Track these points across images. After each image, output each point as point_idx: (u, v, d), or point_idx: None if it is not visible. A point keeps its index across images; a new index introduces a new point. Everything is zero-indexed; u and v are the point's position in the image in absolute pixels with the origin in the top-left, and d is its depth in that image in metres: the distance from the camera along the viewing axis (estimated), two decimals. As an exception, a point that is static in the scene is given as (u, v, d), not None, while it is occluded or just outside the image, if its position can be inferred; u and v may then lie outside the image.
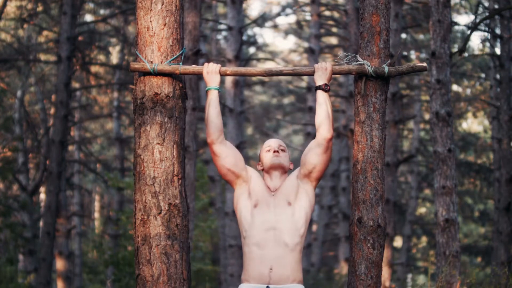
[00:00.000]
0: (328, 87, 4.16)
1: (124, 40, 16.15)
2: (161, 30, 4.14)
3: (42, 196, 19.63)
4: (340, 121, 18.10)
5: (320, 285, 18.04)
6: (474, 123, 25.63)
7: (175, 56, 4.16)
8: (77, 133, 20.61)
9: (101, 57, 18.82)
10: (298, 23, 22.44)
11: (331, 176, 19.57)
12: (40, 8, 15.10)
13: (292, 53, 28.29)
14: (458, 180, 18.41)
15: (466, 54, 17.35)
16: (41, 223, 15.93)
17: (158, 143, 4.09)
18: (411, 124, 21.62)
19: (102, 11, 17.53)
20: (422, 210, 26.95)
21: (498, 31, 14.00)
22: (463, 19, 48.21)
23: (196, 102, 8.73)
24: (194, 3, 8.66)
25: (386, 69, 4.10)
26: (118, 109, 19.66)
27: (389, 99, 11.73)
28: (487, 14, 11.87)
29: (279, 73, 4.26)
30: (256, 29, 29.83)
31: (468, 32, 14.80)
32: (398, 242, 25.05)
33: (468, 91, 22.60)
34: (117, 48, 19.61)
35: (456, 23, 10.42)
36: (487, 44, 15.85)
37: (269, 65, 23.47)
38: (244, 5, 18.71)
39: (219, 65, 4.24)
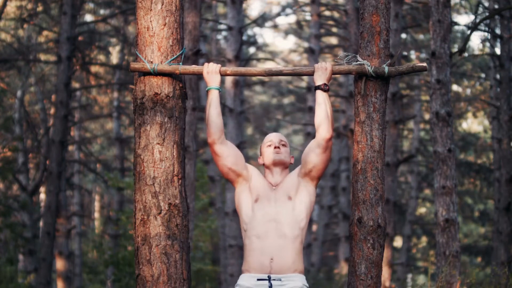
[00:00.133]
0: (327, 87, 4.16)
1: (124, 40, 16.15)
2: (161, 30, 4.14)
3: (42, 196, 19.64)
4: (340, 121, 18.10)
5: (320, 285, 18.04)
6: (474, 123, 25.64)
7: (175, 56, 4.16)
8: (77, 133, 20.61)
9: (101, 57, 18.82)
10: (298, 23, 22.44)
11: (331, 176, 19.57)
12: (40, 8, 15.10)
13: (292, 53, 28.30)
14: (458, 180, 18.41)
15: (466, 54, 17.35)
16: (41, 223, 15.93)
17: (158, 143, 4.09)
18: (411, 124, 21.63)
19: (102, 11, 17.53)
20: (422, 210, 26.95)
21: (498, 31, 14.00)
22: (463, 19, 48.22)
23: (196, 102, 8.74)
24: (194, 3, 8.66)
25: (386, 69, 4.10)
26: (118, 109, 19.66)
27: (389, 99, 11.73)
28: (487, 14, 11.87)
29: (279, 73, 4.26)
30: (256, 29, 29.84)
31: (468, 32, 14.80)
32: (398, 242, 25.05)
33: (468, 91, 22.61)
34: (117, 48, 19.61)
35: (456, 23, 10.42)
36: (487, 44, 15.85)
37: (269, 65, 23.47)
38: (244, 5, 18.71)
39: (219, 65, 4.25)
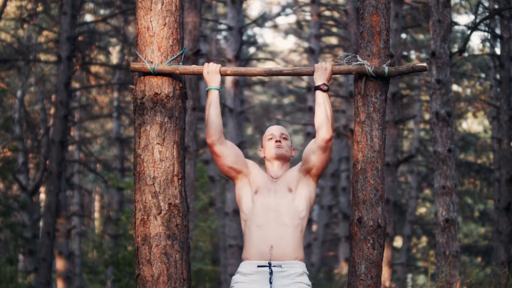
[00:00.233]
0: (327, 87, 4.15)
1: (124, 40, 16.15)
2: (161, 30, 4.14)
3: (42, 196, 19.64)
4: (340, 121, 18.10)
5: (320, 285, 18.04)
6: (474, 123, 25.64)
7: (175, 56, 4.16)
8: (77, 133, 20.61)
9: (101, 57, 18.82)
10: (298, 23, 22.44)
11: (331, 176, 19.57)
12: (40, 8, 15.10)
13: (292, 53, 28.30)
14: (458, 180, 18.41)
15: (466, 54, 17.35)
16: (41, 223, 15.93)
17: (158, 143, 4.09)
18: (411, 124, 21.63)
19: (102, 11, 17.53)
20: (422, 210, 26.95)
21: (498, 31, 14.00)
22: (463, 19, 48.22)
23: (196, 102, 8.73)
24: (194, 3, 8.66)
25: (386, 69, 4.10)
26: (118, 109, 19.66)
27: (389, 99, 11.73)
28: (487, 14, 11.87)
29: (279, 73, 4.26)
30: (256, 29, 29.84)
31: (468, 32, 14.80)
32: (398, 242, 25.05)
33: (468, 91, 22.61)
34: (117, 48, 19.61)
35: (456, 23, 10.42)
36: (487, 44, 15.85)
37: (269, 65, 23.47)
38: (244, 5, 18.71)
39: (219, 65, 4.25)
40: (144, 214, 4.06)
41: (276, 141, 4.24)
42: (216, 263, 18.04)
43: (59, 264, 14.87)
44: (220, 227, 15.99)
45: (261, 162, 4.39)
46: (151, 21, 4.15)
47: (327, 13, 19.92)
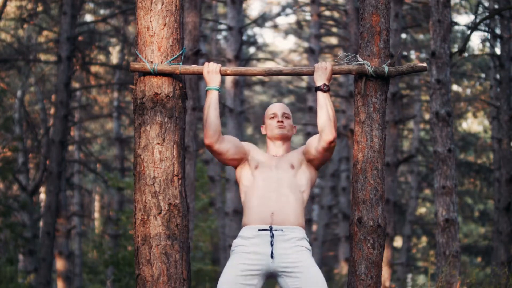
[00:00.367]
0: (328, 88, 4.15)
1: (124, 40, 16.15)
2: (161, 30, 4.14)
3: (42, 196, 19.64)
4: (340, 121, 18.11)
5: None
6: (474, 123, 25.64)
7: (175, 56, 4.16)
8: (77, 133, 20.61)
9: (101, 57, 18.82)
10: (298, 23, 22.44)
11: (331, 176, 19.56)
12: (40, 8, 15.10)
13: (292, 53, 28.29)
14: (458, 180, 18.41)
15: (466, 54, 17.35)
16: (41, 223, 15.93)
17: (158, 143, 4.09)
18: (411, 124, 21.62)
19: (102, 11, 17.53)
20: (422, 210, 26.95)
21: (498, 31, 14.00)
22: (463, 19, 48.22)
23: (196, 102, 8.74)
24: (194, 3, 8.66)
25: (386, 69, 4.10)
26: (118, 109, 19.66)
27: (389, 99, 11.73)
28: (487, 14, 11.87)
29: (279, 73, 4.26)
30: (256, 29, 29.83)
31: (468, 32, 14.80)
32: (398, 242, 25.05)
33: (468, 91, 22.61)
34: (117, 48, 19.61)
35: (456, 23, 10.42)
36: (487, 44, 15.85)
37: (269, 65, 23.47)
38: (244, 5, 18.71)
39: (219, 65, 4.24)
40: (144, 214, 4.06)
41: (278, 121, 4.27)
42: (216, 263, 18.04)
43: (59, 264, 14.87)
44: (220, 227, 15.98)
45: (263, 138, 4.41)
46: (151, 21, 4.15)
47: (327, 13, 19.92)
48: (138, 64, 4.13)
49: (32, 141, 16.41)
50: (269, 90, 27.47)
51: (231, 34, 13.79)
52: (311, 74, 4.24)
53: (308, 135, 17.02)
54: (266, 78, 19.32)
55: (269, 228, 4.06)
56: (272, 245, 4.03)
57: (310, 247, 4.15)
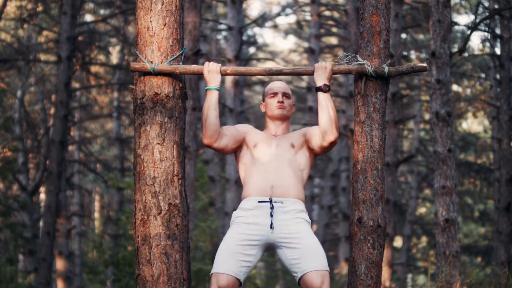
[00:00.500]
0: (328, 88, 4.16)
1: (124, 40, 16.15)
2: (161, 30, 4.14)
3: (42, 196, 19.64)
4: (340, 121, 18.11)
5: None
6: (474, 123, 25.64)
7: (175, 56, 4.16)
8: (77, 133, 20.61)
9: (101, 57, 18.82)
10: (298, 23, 22.44)
11: (331, 176, 19.56)
12: (40, 8, 15.10)
13: (292, 53, 28.29)
14: (458, 180, 18.41)
15: (466, 54, 17.34)
16: (41, 223, 15.93)
17: (158, 143, 4.09)
18: (411, 124, 21.62)
19: (102, 11, 17.53)
20: (422, 210, 26.95)
21: (498, 31, 14.00)
22: (463, 19, 48.21)
23: (196, 102, 8.74)
24: (194, 3, 8.66)
25: (386, 69, 4.10)
26: (118, 109, 19.66)
27: (389, 99, 11.73)
28: (487, 14, 11.87)
29: (279, 73, 4.26)
30: (256, 29, 29.82)
31: (468, 32, 14.80)
32: (398, 242, 25.05)
33: (468, 91, 22.61)
34: (117, 48, 19.61)
35: (456, 23, 10.42)
36: (487, 44, 15.84)
37: (269, 65, 23.47)
38: (244, 5, 18.70)
39: (220, 65, 4.24)
40: (144, 214, 4.06)
41: (279, 102, 4.28)
42: (216, 263, 17.98)
43: (59, 264, 14.87)
44: (220, 227, 15.98)
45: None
46: (151, 21, 4.14)
47: (327, 13, 19.92)
48: (138, 64, 4.13)
49: (32, 141, 16.41)
50: (269, 90, 27.40)
51: (231, 34, 13.79)
52: (311, 74, 4.24)
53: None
54: (266, 78, 19.33)
55: (269, 200, 4.08)
56: (271, 216, 4.04)
57: (309, 220, 4.17)
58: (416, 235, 23.73)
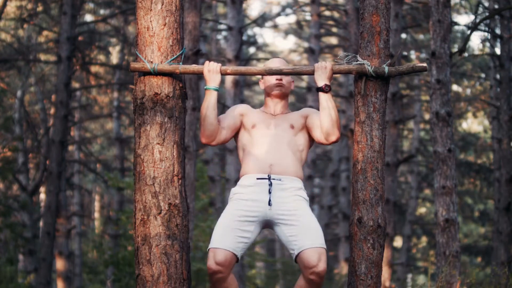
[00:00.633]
0: (329, 88, 4.16)
1: (124, 40, 16.15)
2: (161, 30, 4.14)
3: (42, 196, 19.63)
4: (340, 121, 18.10)
5: (320, 285, 17.96)
6: (474, 123, 25.64)
7: (175, 56, 4.16)
8: (77, 133, 20.61)
9: (101, 57, 18.82)
10: (298, 23, 22.43)
11: (331, 176, 19.56)
12: (40, 8, 15.10)
13: (292, 53, 28.29)
14: (458, 180, 18.41)
15: (466, 54, 17.34)
16: (41, 223, 15.93)
17: (158, 143, 4.09)
18: (411, 124, 21.62)
19: (102, 11, 17.53)
20: (422, 210, 26.95)
21: (498, 31, 13.99)
22: (463, 19, 48.21)
23: (196, 102, 8.74)
24: (194, 3, 8.66)
25: (386, 69, 4.10)
26: (118, 109, 19.65)
27: (389, 99, 11.73)
28: (487, 14, 11.87)
29: (279, 72, 4.26)
30: (256, 29, 29.83)
31: (468, 32, 14.80)
32: (398, 242, 25.05)
33: (468, 91, 22.61)
34: (117, 48, 19.61)
35: (456, 23, 10.42)
36: (487, 44, 15.84)
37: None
38: (244, 5, 18.70)
39: (220, 64, 4.25)
40: (144, 214, 4.06)
41: (277, 79, 4.29)
42: (216, 263, 17.98)
43: (59, 264, 14.87)
44: (220, 227, 15.93)
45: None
46: (151, 21, 4.14)
47: (327, 13, 19.92)
48: (138, 64, 4.13)
49: (32, 141, 16.41)
50: (269, 90, 27.40)
51: (231, 34, 13.78)
52: (311, 73, 4.24)
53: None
54: (266, 78, 19.29)
55: (267, 177, 4.09)
56: (270, 193, 4.06)
57: (307, 198, 4.19)
58: (416, 235, 23.73)
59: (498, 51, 18.55)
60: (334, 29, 21.28)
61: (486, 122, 23.93)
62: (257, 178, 4.10)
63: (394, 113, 12.01)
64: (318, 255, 3.94)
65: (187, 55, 8.36)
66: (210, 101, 4.18)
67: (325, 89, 4.15)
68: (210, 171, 16.30)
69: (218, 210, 16.68)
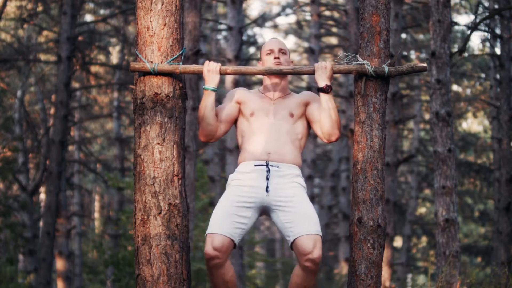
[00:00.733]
0: (330, 88, 4.16)
1: (124, 40, 16.15)
2: (161, 30, 4.14)
3: (42, 196, 19.63)
4: (340, 121, 18.09)
5: (320, 285, 18.03)
6: (474, 123, 25.64)
7: (175, 56, 4.16)
8: (77, 133, 20.61)
9: (101, 57, 18.82)
10: (298, 23, 22.43)
11: (331, 176, 19.56)
12: (40, 8, 15.10)
13: (292, 53, 28.28)
14: (458, 180, 18.41)
15: (466, 54, 17.34)
16: (41, 223, 15.93)
17: (158, 143, 4.09)
18: (411, 124, 21.62)
19: (102, 11, 17.52)
20: (422, 210, 26.94)
21: (498, 31, 13.99)
22: (463, 19, 48.21)
23: (196, 102, 8.73)
24: (194, 3, 8.66)
25: (386, 69, 4.10)
26: (118, 109, 19.65)
27: (389, 99, 11.73)
28: (487, 14, 11.87)
29: (279, 72, 4.26)
30: (256, 29, 29.83)
31: (468, 32, 14.80)
32: (398, 242, 25.05)
33: (468, 91, 22.61)
34: (117, 48, 19.61)
35: (456, 23, 10.42)
36: (487, 44, 15.84)
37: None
38: (244, 5, 18.71)
39: (219, 64, 4.25)
40: (144, 214, 4.06)
41: (275, 58, 4.27)
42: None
43: (59, 264, 14.87)
44: (220, 227, 15.93)
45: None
46: (151, 21, 4.14)
47: (327, 13, 19.92)
48: (138, 64, 4.13)
49: (32, 141, 16.41)
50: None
51: (231, 34, 13.78)
52: (311, 73, 4.24)
53: (308, 135, 16.98)
54: (266, 78, 19.30)
55: (265, 164, 4.10)
56: (267, 179, 4.07)
57: (305, 185, 4.20)
58: (416, 235, 23.73)
59: (498, 51, 18.56)
60: (334, 29, 21.28)
61: (486, 122, 23.93)
62: (255, 165, 4.11)
63: (394, 113, 12.01)
64: (313, 241, 3.94)
65: (187, 55, 8.35)
66: (208, 101, 4.18)
67: (326, 90, 4.15)
68: (210, 171, 16.30)
69: (218, 210, 16.65)
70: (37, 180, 15.74)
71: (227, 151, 13.99)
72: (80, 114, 19.98)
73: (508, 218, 11.86)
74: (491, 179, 17.70)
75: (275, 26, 25.29)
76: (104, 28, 17.95)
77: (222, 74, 4.22)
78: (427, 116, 21.43)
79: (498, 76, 14.07)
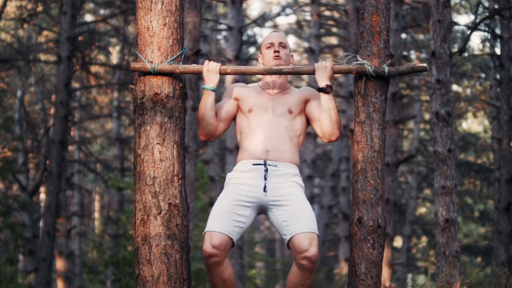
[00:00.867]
0: (331, 88, 4.16)
1: (124, 40, 16.15)
2: (161, 30, 4.14)
3: (42, 196, 19.63)
4: (340, 121, 18.08)
5: (320, 285, 18.03)
6: (474, 123, 25.64)
7: (175, 56, 4.16)
8: (77, 133, 20.61)
9: (101, 57, 18.82)
10: (298, 23, 22.44)
11: (331, 176, 19.56)
12: (40, 8, 15.10)
13: (292, 53, 28.24)
14: (458, 180, 18.41)
15: (466, 54, 17.34)
16: (41, 223, 15.93)
17: (158, 143, 4.09)
18: (411, 124, 21.62)
19: (102, 11, 17.52)
20: (422, 210, 26.94)
21: (498, 31, 13.99)
22: (463, 19, 48.21)
23: (196, 102, 8.74)
24: (194, 3, 8.66)
25: (386, 69, 4.10)
26: (118, 109, 19.65)
27: (389, 99, 11.73)
28: (487, 14, 11.87)
29: (279, 72, 4.26)
30: (256, 29, 29.83)
31: (468, 32, 14.80)
32: (398, 242, 25.05)
33: (468, 91, 22.61)
34: (117, 48, 19.61)
35: (456, 23, 10.42)
36: (487, 44, 15.84)
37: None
38: (244, 5, 18.71)
39: (219, 64, 4.24)
40: (144, 214, 4.06)
41: (275, 51, 4.26)
42: (216, 263, 17.95)
43: (59, 264, 14.87)
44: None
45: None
46: (151, 21, 4.14)
47: (327, 13, 19.92)
48: (138, 64, 4.13)
49: (32, 141, 16.41)
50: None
51: (231, 34, 13.78)
52: (311, 73, 4.24)
53: (308, 134, 17.00)
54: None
55: (263, 163, 4.10)
56: (265, 179, 4.07)
57: (303, 184, 4.19)
58: (416, 235, 23.73)
59: (498, 51, 18.56)
60: (334, 29, 21.28)
61: (486, 122, 23.93)
62: (253, 164, 4.11)
63: (394, 113, 12.01)
64: (309, 239, 3.94)
65: (187, 55, 8.36)
66: (208, 101, 4.18)
67: (327, 90, 4.16)
68: (210, 171, 16.30)
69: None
70: (37, 180, 15.74)
71: (227, 151, 13.99)
72: (80, 114, 19.98)
73: (508, 218, 11.86)
74: (491, 179, 17.70)
75: (275, 26, 25.27)
76: (104, 28, 17.95)
77: (222, 74, 4.22)
78: (427, 116, 21.43)
79: (498, 76, 14.07)
